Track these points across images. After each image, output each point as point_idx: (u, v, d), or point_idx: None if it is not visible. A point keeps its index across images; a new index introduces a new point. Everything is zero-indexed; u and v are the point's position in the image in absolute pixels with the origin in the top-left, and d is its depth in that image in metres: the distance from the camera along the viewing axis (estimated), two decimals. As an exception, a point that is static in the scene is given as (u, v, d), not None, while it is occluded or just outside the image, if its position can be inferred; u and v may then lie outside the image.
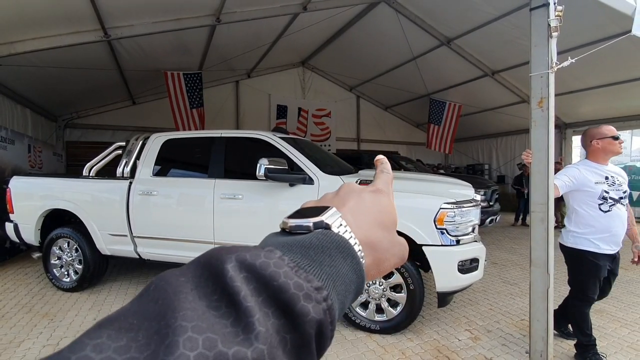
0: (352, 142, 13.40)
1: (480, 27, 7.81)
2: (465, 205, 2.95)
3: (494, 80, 9.89)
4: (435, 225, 2.85)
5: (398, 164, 7.92)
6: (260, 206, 3.36)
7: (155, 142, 3.89)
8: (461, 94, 11.24)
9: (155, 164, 3.80)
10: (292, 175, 3.18)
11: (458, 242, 2.90)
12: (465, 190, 3.22)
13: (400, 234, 2.92)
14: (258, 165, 3.02)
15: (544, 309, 2.46)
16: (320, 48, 10.70)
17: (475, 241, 3.06)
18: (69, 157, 9.52)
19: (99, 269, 4.07)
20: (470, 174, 13.50)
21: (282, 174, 3.10)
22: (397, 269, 2.92)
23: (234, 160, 3.63)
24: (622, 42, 6.09)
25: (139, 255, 3.83)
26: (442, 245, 2.86)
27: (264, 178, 3.05)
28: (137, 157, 3.91)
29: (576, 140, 12.56)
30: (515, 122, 11.62)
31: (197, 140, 3.87)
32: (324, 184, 3.18)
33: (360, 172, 3.71)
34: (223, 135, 3.69)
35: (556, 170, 2.65)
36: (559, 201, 8.72)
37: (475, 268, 3.00)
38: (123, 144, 4.09)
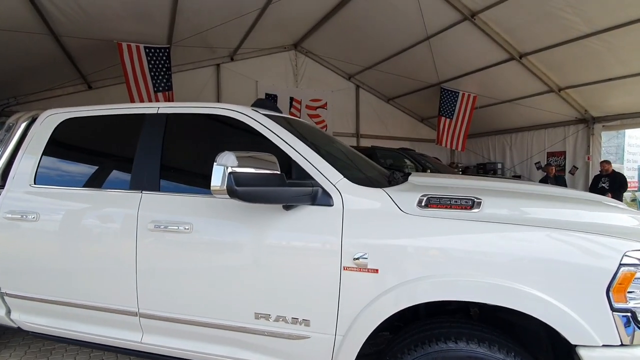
0: (350, 138, 11.91)
1: (515, -5, 6.35)
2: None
3: (519, 64, 8.48)
4: (611, 303, 1.28)
5: (420, 163, 6.30)
6: (227, 246, 1.73)
7: (46, 124, 2.21)
8: (477, 82, 9.95)
9: (41, 164, 2.13)
10: (290, 188, 1.55)
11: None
12: (634, 217, 1.64)
13: (522, 316, 1.18)
14: (215, 168, 1.40)
15: None
16: (315, 27, 9.26)
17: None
18: (5, 154, 7.69)
19: (-47, 343, 2.40)
20: (481, 174, 12.16)
21: (268, 188, 1.48)
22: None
23: (180, 158, 2.00)
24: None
25: (15, 324, 2.18)
26: (622, 345, 1.29)
27: (228, 196, 1.43)
28: (15, 151, 2.24)
29: (605, 136, 10.96)
30: (535, 116, 10.26)
31: (116, 121, 2.18)
32: (354, 205, 1.57)
33: (410, 178, 2.08)
34: (161, 111, 2.04)
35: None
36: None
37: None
38: (-5, 128, 2.43)
